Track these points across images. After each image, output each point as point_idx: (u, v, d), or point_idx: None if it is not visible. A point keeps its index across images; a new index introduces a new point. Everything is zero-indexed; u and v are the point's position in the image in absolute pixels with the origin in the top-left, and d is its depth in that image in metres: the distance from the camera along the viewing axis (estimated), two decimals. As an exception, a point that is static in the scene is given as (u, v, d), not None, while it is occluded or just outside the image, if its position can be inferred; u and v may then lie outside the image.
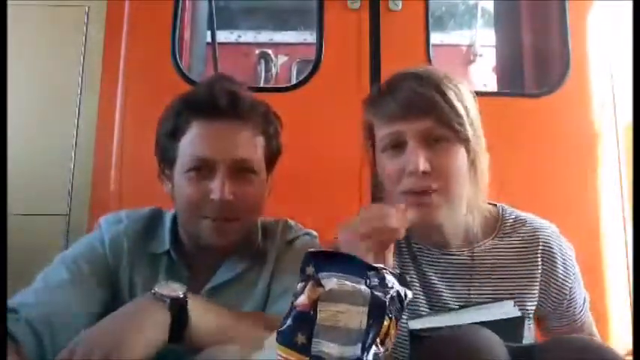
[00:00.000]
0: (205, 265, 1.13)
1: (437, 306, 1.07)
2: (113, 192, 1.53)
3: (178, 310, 0.85)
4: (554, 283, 1.08)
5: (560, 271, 1.08)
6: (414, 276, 1.10)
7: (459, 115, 0.99)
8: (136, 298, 0.95)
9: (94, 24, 1.60)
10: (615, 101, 1.60)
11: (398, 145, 1.00)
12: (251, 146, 1.08)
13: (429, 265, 1.10)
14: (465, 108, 1.01)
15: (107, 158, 1.54)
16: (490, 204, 1.13)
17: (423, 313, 1.07)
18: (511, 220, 1.11)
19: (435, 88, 0.99)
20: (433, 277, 1.08)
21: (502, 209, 1.13)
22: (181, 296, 0.86)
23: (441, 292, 1.07)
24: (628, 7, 1.48)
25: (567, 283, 1.08)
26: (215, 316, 0.90)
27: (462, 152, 1.01)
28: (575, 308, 1.12)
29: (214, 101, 1.06)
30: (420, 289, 1.08)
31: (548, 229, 1.10)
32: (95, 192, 1.52)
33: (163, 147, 1.11)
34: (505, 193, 1.44)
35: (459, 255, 1.08)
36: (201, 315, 0.87)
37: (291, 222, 1.21)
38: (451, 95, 0.99)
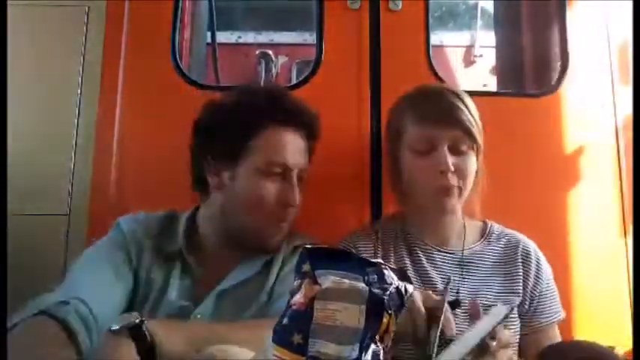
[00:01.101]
0: (218, 268, 1.16)
1: None
2: (113, 192, 1.52)
3: (140, 335, 0.86)
4: (528, 284, 1.24)
5: (533, 274, 1.25)
6: (411, 270, 1.24)
7: (478, 130, 1.21)
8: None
9: (94, 24, 1.59)
10: (615, 101, 1.60)
11: (429, 148, 1.19)
12: (307, 156, 1.21)
13: (429, 261, 1.25)
14: (479, 124, 1.22)
15: (107, 158, 1.54)
16: (481, 221, 1.34)
17: None
18: (497, 232, 1.32)
19: (462, 102, 1.20)
20: (432, 273, 1.24)
21: (490, 223, 1.34)
22: (137, 322, 0.87)
23: (437, 285, 1.22)
24: (628, 7, 1.48)
25: (538, 287, 1.24)
26: (184, 332, 0.92)
27: (474, 158, 1.22)
28: (542, 314, 1.24)
29: (297, 112, 1.17)
30: (418, 282, 1.22)
31: (529, 240, 1.30)
32: (95, 192, 1.51)
33: (226, 141, 1.15)
34: (506, 192, 1.45)
35: (452, 254, 1.26)
36: (168, 334, 0.89)
37: (298, 233, 1.27)
38: (473, 111, 1.21)
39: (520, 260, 1.26)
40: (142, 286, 1.12)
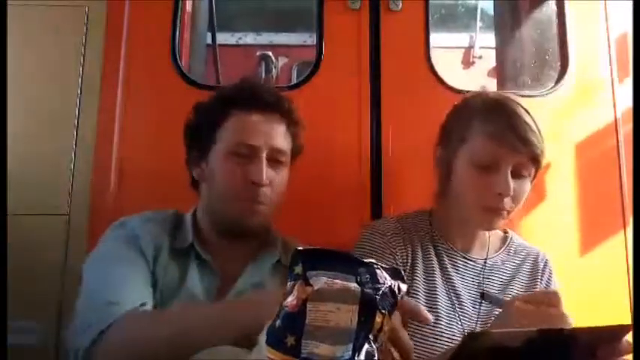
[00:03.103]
0: (227, 263, 1.18)
1: (455, 303, 1.21)
2: (113, 192, 1.52)
3: None
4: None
5: (544, 284, 1.26)
6: (438, 274, 1.23)
7: (543, 155, 1.15)
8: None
9: (94, 24, 1.59)
10: (615, 100, 1.60)
11: (491, 165, 1.14)
12: (285, 139, 1.21)
13: (453, 266, 1.24)
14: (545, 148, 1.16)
15: (107, 158, 1.54)
16: (503, 231, 1.33)
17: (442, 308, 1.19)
18: (516, 243, 1.32)
19: (536, 126, 1.13)
20: (454, 277, 1.23)
21: (511, 234, 1.33)
22: None
23: (460, 291, 1.22)
24: (628, 7, 1.48)
25: None
26: None
27: (530, 185, 1.18)
28: None
29: (259, 95, 1.18)
30: (443, 287, 1.22)
31: (545, 254, 1.31)
32: (95, 192, 1.51)
33: (201, 133, 1.21)
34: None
35: (475, 262, 1.26)
36: None
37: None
38: (542, 134, 1.14)
39: (538, 273, 1.27)
40: (159, 282, 1.12)
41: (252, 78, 1.26)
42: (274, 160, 1.18)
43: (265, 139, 1.16)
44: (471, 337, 0.72)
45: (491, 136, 1.13)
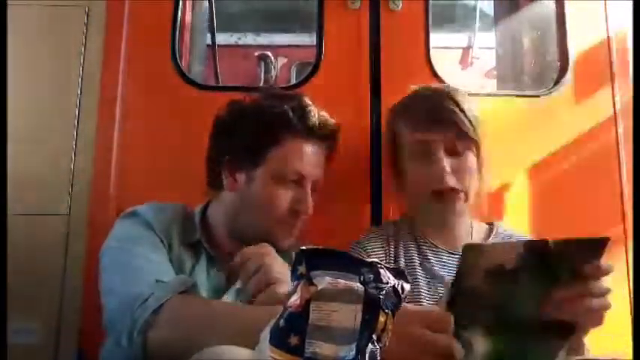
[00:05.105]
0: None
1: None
2: (113, 192, 1.52)
3: None
4: None
5: None
6: (420, 272, 1.23)
7: (474, 129, 1.19)
8: None
9: (94, 24, 1.59)
10: (615, 100, 1.60)
11: (425, 152, 1.19)
12: (322, 167, 1.25)
13: (438, 263, 1.24)
14: (476, 118, 1.20)
15: (107, 158, 1.54)
16: (487, 223, 1.33)
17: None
18: (503, 233, 1.30)
19: (454, 103, 1.19)
20: (442, 274, 1.22)
21: (497, 225, 1.33)
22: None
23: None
24: (628, 7, 1.48)
25: None
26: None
27: (473, 158, 1.21)
28: None
29: (315, 124, 1.20)
30: (426, 286, 1.21)
31: None
32: (95, 192, 1.51)
33: (249, 147, 1.19)
34: (506, 192, 1.45)
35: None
36: None
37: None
38: (465, 108, 1.19)
39: None
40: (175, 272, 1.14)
41: (302, 95, 1.25)
42: (313, 189, 1.21)
43: (313, 169, 1.20)
44: (466, 248, 0.74)
45: (413, 125, 1.21)
